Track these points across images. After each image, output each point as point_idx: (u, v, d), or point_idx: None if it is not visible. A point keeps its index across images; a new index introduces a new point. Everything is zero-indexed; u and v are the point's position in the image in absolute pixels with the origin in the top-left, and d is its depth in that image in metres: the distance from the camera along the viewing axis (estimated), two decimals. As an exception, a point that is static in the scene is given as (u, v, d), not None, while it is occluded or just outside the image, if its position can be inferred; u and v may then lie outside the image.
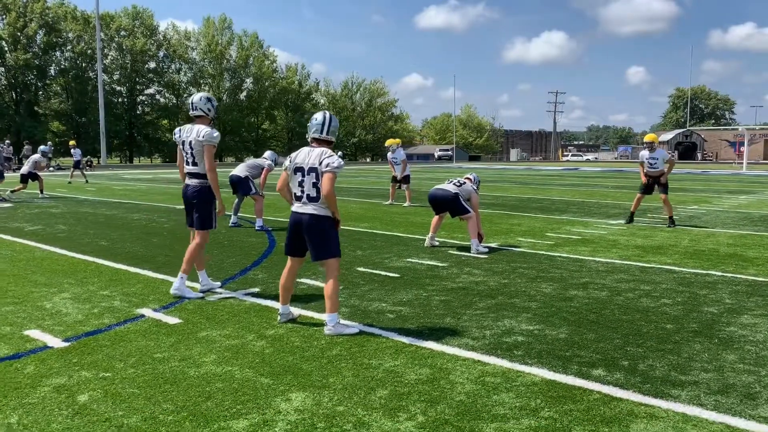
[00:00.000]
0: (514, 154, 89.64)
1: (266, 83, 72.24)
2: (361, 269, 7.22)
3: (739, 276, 7.05)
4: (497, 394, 3.65)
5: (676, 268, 7.45)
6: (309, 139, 4.99)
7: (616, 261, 7.90)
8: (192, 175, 5.92)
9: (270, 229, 10.50)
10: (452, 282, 6.60)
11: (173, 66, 68.57)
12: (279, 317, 5.11)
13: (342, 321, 4.97)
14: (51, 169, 33.27)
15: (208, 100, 6.03)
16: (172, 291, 5.87)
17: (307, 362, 4.16)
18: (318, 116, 4.98)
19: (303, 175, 4.81)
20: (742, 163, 48.71)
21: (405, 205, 15.21)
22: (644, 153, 11.93)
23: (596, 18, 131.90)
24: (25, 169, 16.86)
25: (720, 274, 7.16)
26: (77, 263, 7.49)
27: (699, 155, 75.35)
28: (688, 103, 73.06)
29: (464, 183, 8.79)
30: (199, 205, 5.89)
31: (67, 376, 3.87)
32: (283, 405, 3.48)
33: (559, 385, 3.80)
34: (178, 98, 69.35)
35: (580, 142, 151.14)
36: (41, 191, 17.01)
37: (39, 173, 17.01)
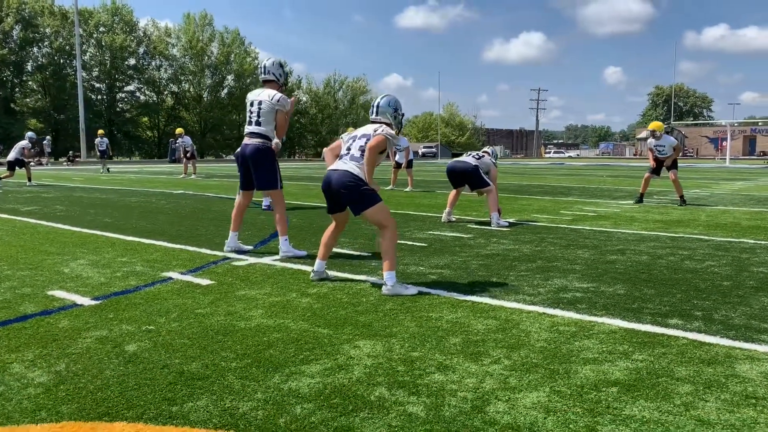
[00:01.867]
0: (497, 151, 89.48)
1: (248, 80, 71.48)
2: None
3: (772, 243, 6.89)
4: (579, 341, 3.40)
5: (706, 237, 7.27)
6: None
7: (643, 232, 7.70)
8: (253, 134, 5.81)
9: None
10: (483, 249, 6.34)
11: (153, 63, 67.59)
12: (312, 274, 4.83)
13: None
14: (44, 162, 32.50)
15: (281, 65, 6.00)
16: (226, 249, 5.99)
17: (362, 315, 3.87)
18: (374, 100, 4.89)
19: (354, 140, 4.66)
20: (724, 158, 49.21)
21: (407, 189, 14.96)
22: (651, 141, 11.82)
23: (574, 18, 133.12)
24: (11, 155, 16.30)
25: (753, 241, 6.99)
26: (86, 236, 7.10)
27: (679, 152, 76.09)
28: (672, 97, 73.70)
29: (482, 156, 8.55)
30: (260, 165, 5.78)
31: (107, 329, 3.54)
32: (353, 351, 3.19)
33: (640, 333, 3.55)
34: (159, 95, 68.45)
35: (560, 141, 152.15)
36: (29, 179, 16.46)
37: (26, 160, 16.45)
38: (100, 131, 26.69)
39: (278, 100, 5.77)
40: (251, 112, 5.85)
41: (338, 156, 4.71)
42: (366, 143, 4.53)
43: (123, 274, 4.99)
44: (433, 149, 76.35)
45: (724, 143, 54.30)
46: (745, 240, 7.07)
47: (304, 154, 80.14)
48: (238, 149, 5.89)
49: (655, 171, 11.79)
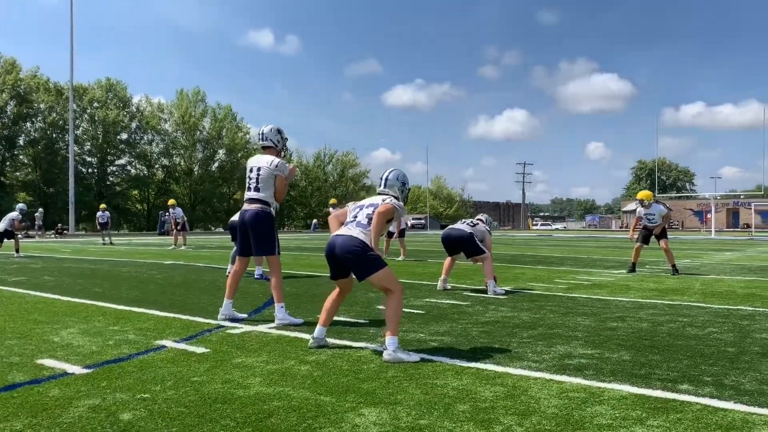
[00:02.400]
0: (490, 219, 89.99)
1: (239, 154, 72.37)
2: (381, 307, 6.83)
3: (771, 310, 6.85)
4: (590, 407, 3.29)
5: (704, 305, 7.23)
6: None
7: (640, 300, 7.66)
8: (253, 200, 5.84)
9: (269, 278, 10.05)
10: (482, 317, 6.25)
11: (145, 137, 68.43)
12: (311, 341, 4.71)
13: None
14: (32, 235, 32.27)
15: (279, 132, 6.07)
16: (220, 317, 5.90)
17: (365, 383, 3.74)
18: (383, 173, 4.96)
19: (361, 209, 4.66)
20: (709, 230, 49.74)
21: (399, 259, 14.91)
22: (640, 209, 11.88)
23: (555, 97, 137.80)
24: (0, 227, 16.15)
25: (751, 308, 6.95)
26: (75, 305, 6.95)
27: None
28: (656, 171, 75.16)
29: (477, 224, 8.57)
30: (259, 230, 5.78)
31: (99, 397, 3.39)
32: (357, 419, 3.07)
33: (652, 399, 3.45)
34: (149, 168, 68.93)
35: (546, 214, 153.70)
36: (17, 251, 16.25)
37: (15, 232, 16.30)
38: (102, 205, 27.12)
39: (277, 165, 5.81)
40: (250, 179, 5.87)
41: (343, 223, 4.69)
42: (373, 211, 4.52)
43: (115, 342, 4.85)
44: (422, 221, 76.83)
45: (708, 216, 55.05)
46: (743, 307, 7.03)
47: (293, 227, 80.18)
48: (233, 217, 5.89)
49: (645, 240, 11.84)
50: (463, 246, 8.28)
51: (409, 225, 76.55)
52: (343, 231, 4.55)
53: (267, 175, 5.81)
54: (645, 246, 11.96)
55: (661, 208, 11.87)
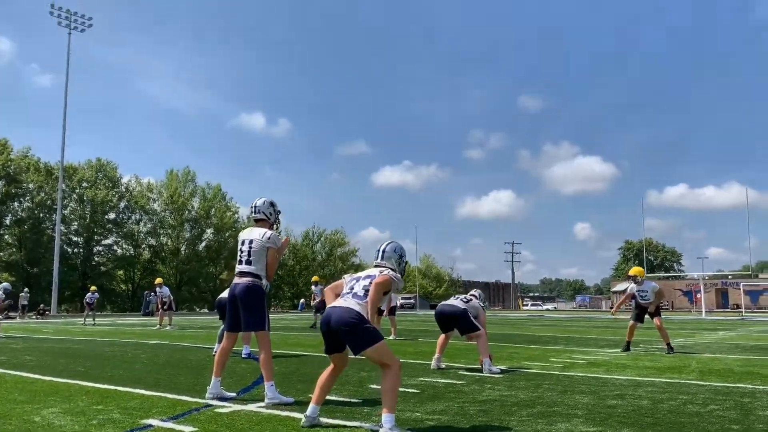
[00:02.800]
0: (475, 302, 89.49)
1: (227, 234, 72.31)
2: (375, 386, 6.64)
3: (771, 387, 6.73)
4: (599, 486, 3.15)
5: (703, 383, 7.10)
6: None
7: (637, 378, 7.51)
8: (244, 273, 5.77)
9: (258, 357, 9.80)
10: (479, 395, 6.09)
11: (133, 217, 68.42)
12: (304, 419, 4.53)
13: None
14: (18, 314, 31.64)
15: (272, 204, 6.08)
16: (208, 396, 5.68)
17: (361, 463, 3.58)
18: (380, 246, 4.93)
19: (357, 281, 4.61)
20: (700, 311, 49.67)
21: (390, 338, 14.68)
22: (633, 286, 11.78)
23: (540, 178, 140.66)
24: (-18, 306, 15.79)
25: (751, 386, 6.83)
26: (57, 384, 6.70)
27: (654, 304, 76.76)
28: (644, 251, 75.70)
29: (470, 299, 8.49)
30: (250, 304, 5.68)
31: (82, 479, 3.20)
32: (356, 501, 2.90)
33: (661, 477, 3.32)
34: (136, 248, 68.54)
35: (535, 294, 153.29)
36: (-3, 331, 15.84)
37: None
38: (93, 287, 27.08)
39: (269, 238, 5.78)
40: (242, 252, 5.83)
41: (339, 295, 4.62)
42: (370, 282, 4.46)
43: (99, 422, 4.64)
44: (412, 300, 76.29)
45: (698, 296, 55.10)
46: (743, 385, 6.91)
47: (281, 306, 79.25)
48: (222, 294, 5.80)
49: (639, 318, 11.75)
50: (457, 322, 8.16)
51: (399, 305, 75.91)
52: (339, 303, 4.47)
53: (259, 247, 5.77)
54: (639, 324, 11.87)
55: (654, 285, 11.83)
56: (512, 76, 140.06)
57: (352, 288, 4.55)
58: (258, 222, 6.00)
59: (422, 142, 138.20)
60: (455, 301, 8.36)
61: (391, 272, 4.61)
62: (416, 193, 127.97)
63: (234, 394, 5.90)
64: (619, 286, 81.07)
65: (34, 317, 35.83)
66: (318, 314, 20.76)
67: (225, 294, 10.37)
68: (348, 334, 4.32)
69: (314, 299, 20.82)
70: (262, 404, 5.46)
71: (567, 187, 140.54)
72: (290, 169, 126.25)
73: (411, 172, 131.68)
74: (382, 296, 4.48)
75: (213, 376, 5.79)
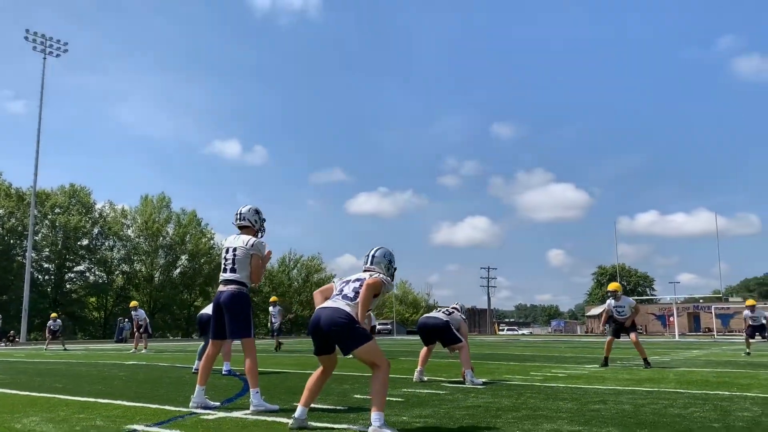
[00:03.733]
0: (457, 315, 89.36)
1: (202, 260, 71.55)
2: (359, 396, 6.64)
3: (747, 394, 6.88)
4: (588, 472, 3.20)
5: (682, 390, 7.22)
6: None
7: (618, 387, 7.61)
8: (228, 281, 5.77)
9: (238, 374, 9.72)
10: (463, 402, 6.12)
11: (107, 243, 67.43)
12: (292, 421, 4.53)
13: None
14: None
15: (257, 212, 6.11)
16: (192, 404, 5.62)
17: (353, 457, 3.59)
18: (369, 251, 4.97)
19: (347, 283, 4.67)
20: (673, 334, 50.24)
21: None
22: (610, 302, 12.00)
23: (513, 205, 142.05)
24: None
25: (728, 393, 6.96)
26: (35, 398, 6.57)
27: (629, 328, 77.48)
28: (618, 276, 76.50)
29: (452, 312, 8.54)
30: (235, 312, 5.66)
31: (72, 473, 3.17)
32: (351, 487, 2.92)
33: (648, 465, 3.38)
34: (109, 275, 67.42)
35: (511, 320, 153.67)
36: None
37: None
38: (53, 314, 26.53)
39: (253, 245, 5.78)
40: (226, 260, 5.84)
41: (327, 298, 4.65)
42: (361, 285, 4.50)
43: (82, 429, 4.58)
44: (389, 326, 75.92)
45: (671, 319, 55.77)
46: (720, 392, 7.04)
47: (258, 334, 78.28)
48: (203, 309, 5.77)
49: (616, 334, 11.90)
50: (439, 335, 8.20)
51: (377, 330, 75.64)
52: (328, 304, 4.50)
53: (243, 255, 5.77)
54: (616, 340, 12.01)
55: (631, 301, 12.05)
56: (485, 103, 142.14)
57: (341, 290, 4.59)
58: (243, 229, 5.99)
59: (397, 168, 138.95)
60: (437, 314, 8.41)
61: (382, 275, 4.65)
62: (392, 219, 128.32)
63: (218, 404, 5.85)
64: (594, 311, 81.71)
65: (2, 344, 34.96)
66: (278, 335, 20.54)
67: (206, 309, 10.32)
68: (338, 335, 4.35)
69: (272, 321, 20.30)
70: (248, 411, 5.43)
71: (541, 214, 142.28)
72: (265, 196, 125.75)
73: (387, 199, 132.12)
74: (372, 299, 4.51)
75: (197, 385, 5.74)
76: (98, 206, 67.45)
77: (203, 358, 5.88)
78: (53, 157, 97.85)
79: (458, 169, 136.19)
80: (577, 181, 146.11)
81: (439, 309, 8.66)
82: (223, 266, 5.86)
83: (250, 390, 5.57)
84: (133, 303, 22.40)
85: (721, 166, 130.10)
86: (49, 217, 62.22)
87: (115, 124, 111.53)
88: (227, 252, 5.87)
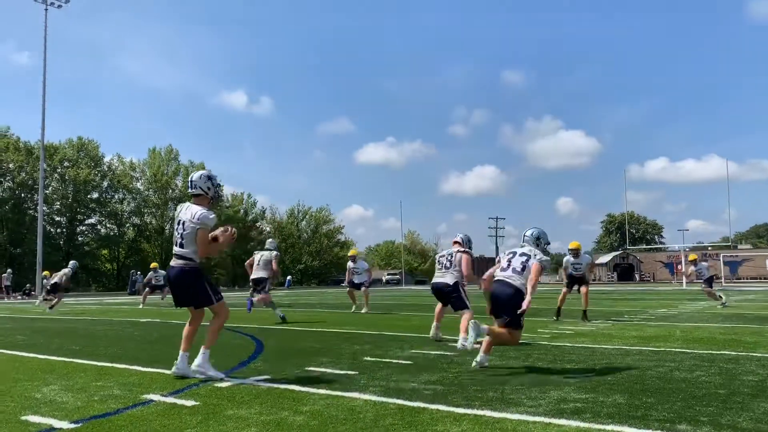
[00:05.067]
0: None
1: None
2: (369, 359, 6.76)
3: (753, 354, 6.95)
4: (594, 448, 3.28)
5: (688, 350, 7.30)
6: None
7: (625, 347, 7.70)
8: (177, 256, 5.58)
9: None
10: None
11: (117, 196, 67.81)
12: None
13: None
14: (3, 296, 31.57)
15: (209, 178, 5.77)
16: (193, 368, 5.50)
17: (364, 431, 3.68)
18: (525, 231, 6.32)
19: (514, 256, 6.44)
20: (681, 281, 50.46)
21: (363, 311, 14.95)
22: (569, 258, 12.77)
23: (523, 153, 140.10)
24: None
25: (734, 353, 7.03)
26: (53, 363, 6.73)
27: (637, 276, 77.90)
28: (626, 224, 76.51)
29: (452, 255, 8.39)
30: (186, 286, 5.53)
31: (92, 451, 3.28)
32: (362, 466, 3.00)
33: (653, 439, 3.46)
34: (120, 228, 68.05)
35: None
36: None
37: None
38: (154, 264, 23.28)
39: (198, 218, 5.47)
40: (177, 232, 5.61)
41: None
42: (527, 260, 6.14)
43: (101, 398, 4.70)
44: (397, 276, 76.69)
45: (679, 267, 55.92)
46: (727, 352, 7.11)
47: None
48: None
49: (570, 286, 12.76)
50: (449, 298, 8.25)
51: (384, 281, 76.35)
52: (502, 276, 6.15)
53: (190, 229, 5.51)
54: (571, 292, 12.88)
55: (588, 258, 12.94)
56: (495, 51, 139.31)
57: (510, 262, 6.27)
58: (196, 198, 5.69)
59: (406, 118, 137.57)
60: (445, 275, 8.33)
61: (542, 257, 6.21)
62: (400, 169, 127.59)
63: (222, 375, 5.52)
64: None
65: (19, 297, 35.63)
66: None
67: (257, 273, 10.75)
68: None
69: (348, 276, 16.97)
70: (260, 378, 5.55)
71: (550, 162, 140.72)
72: (273, 147, 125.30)
73: (395, 149, 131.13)
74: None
75: (181, 351, 5.61)
76: (107, 159, 67.60)
77: (186, 328, 5.77)
78: (60, 110, 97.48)
79: (467, 118, 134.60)
80: (587, 128, 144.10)
81: (441, 263, 8.47)
82: (174, 238, 5.65)
83: (201, 348, 5.51)
84: (154, 264, 22.71)
85: (733, 110, 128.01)
86: (59, 170, 62.47)
87: (121, 76, 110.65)
88: (178, 224, 5.61)
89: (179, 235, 5.57)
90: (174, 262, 5.60)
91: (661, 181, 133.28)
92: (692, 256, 19.67)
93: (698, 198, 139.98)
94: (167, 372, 5.91)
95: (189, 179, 5.78)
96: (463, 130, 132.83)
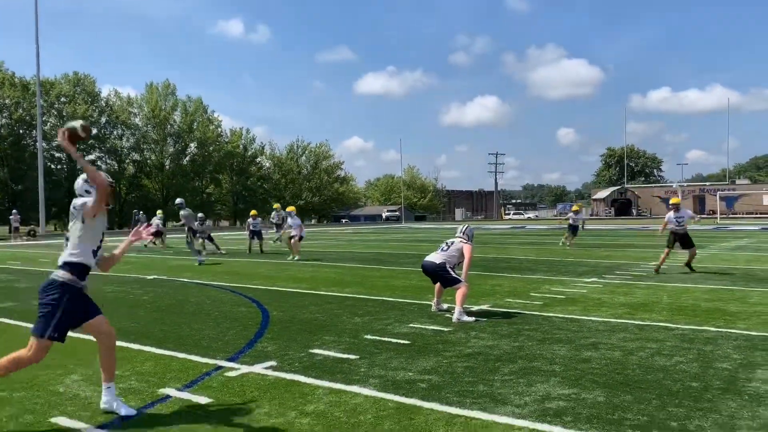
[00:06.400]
0: (459, 213, 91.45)
1: (211, 147, 71.90)
2: (369, 336, 7.16)
3: (732, 331, 7.34)
4: (570, 463, 3.66)
5: (671, 325, 7.69)
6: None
7: (611, 320, 8.10)
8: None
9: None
10: (465, 347, 6.61)
11: (115, 132, 67.59)
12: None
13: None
14: (11, 237, 32.20)
15: (85, 181, 4.81)
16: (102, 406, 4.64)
17: (364, 439, 4.07)
18: None
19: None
20: (677, 218, 50.99)
21: (291, 258, 17.58)
22: (670, 215, 13.89)
23: (525, 83, 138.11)
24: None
25: (715, 329, 7.43)
26: (72, 341, 7.03)
27: (634, 211, 78.61)
28: (625, 158, 76.51)
29: (452, 243, 8.81)
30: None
31: (121, 466, 3.66)
32: (363, 486, 3.39)
33: (624, 450, 3.84)
34: (120, 164, 68.17)
35: (518, 201, 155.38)
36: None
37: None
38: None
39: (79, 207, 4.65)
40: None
41: None
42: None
43: (120, 393, 5.08)
44: (396, 213, 77.25)
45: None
46: (707, 328, 7.50)
47: (267, 221, 79.82)
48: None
49: (671, 243, 13.84)
50: (437, 277, 8.59)
51: (384, 217, 77.07)
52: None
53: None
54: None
55: (689, 213, 14.52)
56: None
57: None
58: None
59: (407, 46, 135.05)
60: (435, 255, 8.70)
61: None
62: (400, 99, 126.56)
63: (133, 412, 4.59)
64: (600, 194, 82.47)
65: (25, 239, 36.18)
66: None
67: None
68: None
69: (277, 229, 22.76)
70: (267, 365, 5.93)
71: (552, 92, 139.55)
72: (271, 78, 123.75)
73: (395, 79, 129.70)
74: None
75: (103, 382, 4.74)
76: (103, 94, 67.03)
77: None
78: (54, 44, 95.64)
79: (469, 47, 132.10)
80: (589, 57, 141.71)
81: (441, 247, 8.83)
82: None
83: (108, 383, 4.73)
84: (160, 212, 23.48)
85: (738, 39, 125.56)
86: (56, 106, 62.11)
87: (115, 6, 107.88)
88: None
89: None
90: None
91: (663, 112, 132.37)
92: (576, 207, 24.38)
93: (699, 129, 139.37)
94: (180, 356, 6.31)
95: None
96: (464, 58, 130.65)
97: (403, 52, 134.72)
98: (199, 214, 22.48)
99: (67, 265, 4.55)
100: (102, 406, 4.65)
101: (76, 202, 4.66)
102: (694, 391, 5.00)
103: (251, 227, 22.29)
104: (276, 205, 24.17)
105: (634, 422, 4.31)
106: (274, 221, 23.33)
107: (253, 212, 23.54)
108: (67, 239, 4.68)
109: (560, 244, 23.35)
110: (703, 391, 5.00)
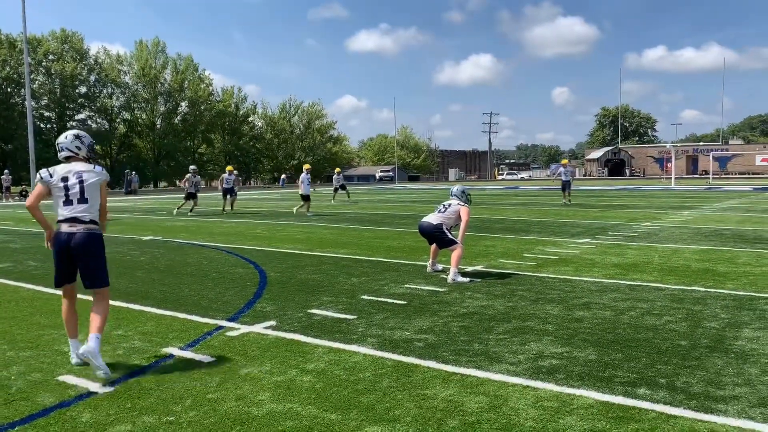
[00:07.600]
0: (452, 173, 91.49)
1: (202, 107, 71.22)
2: (366, 297, 7.29)
3: (721, 291, 7.50)
4: (562, 418, 3.81)
5: (662, 285, 7.86)
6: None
7: (603, 280, 8.25)
8: (75, 220, 4.84)
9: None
10: (460, 307, 6.76)
11: (105, 90, 66.74)
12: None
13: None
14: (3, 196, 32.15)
15: (76, 137, 5.00)
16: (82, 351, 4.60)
17: (363, 395, 4.21)
18: None
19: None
20: (670, 178, 51.25)
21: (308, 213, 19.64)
22: (562, 169, 15.07)
23: (520, 41, 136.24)
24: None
25: (704, 290, 7.59)
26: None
27: (627, 171, 78.81)
28: (619, 118, 76.42)
29: (450, 205, 8.91)
30: (91, 257, 4.87)
31: (130, 422, 3.79)
32: (364, 440, 3.53)
33: (614, 406, 3.99)
34: (111, 123, 67.50)
35: (512, 161, 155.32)
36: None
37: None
38: (229, 167, 23.72)
39: (101, 169, 5.11)
40: (70, 189, 4.86)
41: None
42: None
43: (125, 352, 5.22)
44: (390, 173, 77.18)
45: (668, 164, 56.57)
46: (697, 288, 7.67)
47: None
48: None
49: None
50: (434, 238, 8.68)
51: (378, 178, 77.05)
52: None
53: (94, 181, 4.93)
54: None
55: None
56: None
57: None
58: (68, 159, 4.96)
59: (400, 3, 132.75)
60: (432, 216, 8.79)
61: None
62: (394, 57, 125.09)
63: (106, 374, 4.53)
64: (593, 154, 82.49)
65: (17, 199, 36.06)
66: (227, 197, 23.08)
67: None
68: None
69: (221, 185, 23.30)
70: (267, 325, 6.06)
71: (547, 51, 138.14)
72: (263, 35, 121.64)
73: (389, 36, 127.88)
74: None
75: (69, 338, 5.03)
76: (92, 52, 65.94)
77: (65, 312, 5.12)
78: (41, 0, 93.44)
79: (464, 4, 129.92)
80: (586, 14, 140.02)
81: (438, 208, 8.94)
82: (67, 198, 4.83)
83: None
84: (229, 168, 23.88)
85: None
86: (44, 64, 61.13)
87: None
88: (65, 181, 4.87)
89: (78, 191, 4.80)
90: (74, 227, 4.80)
91: (658, 71, 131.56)
92: (564, 161, 26.28)
93: (694, 87, 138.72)
94: (181, 316, 6.43)
95: (56, 143, 5.05)
96: (459, 16, 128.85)
97: (397, 8, 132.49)
98: (192, 167, 22.58)
99: (94, 222, 4.94)
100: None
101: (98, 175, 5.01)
102: (683, 350, 5.16)
103: (225, 184, 22.15)
104: (337, 170, 31.78)
105: (624, 379, 4.47)
106: (337, 185, 30.29)
107: (229, 168, 23.34)
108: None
109: (562, 203, 24.10)
110: (691, 350, 5.16)
